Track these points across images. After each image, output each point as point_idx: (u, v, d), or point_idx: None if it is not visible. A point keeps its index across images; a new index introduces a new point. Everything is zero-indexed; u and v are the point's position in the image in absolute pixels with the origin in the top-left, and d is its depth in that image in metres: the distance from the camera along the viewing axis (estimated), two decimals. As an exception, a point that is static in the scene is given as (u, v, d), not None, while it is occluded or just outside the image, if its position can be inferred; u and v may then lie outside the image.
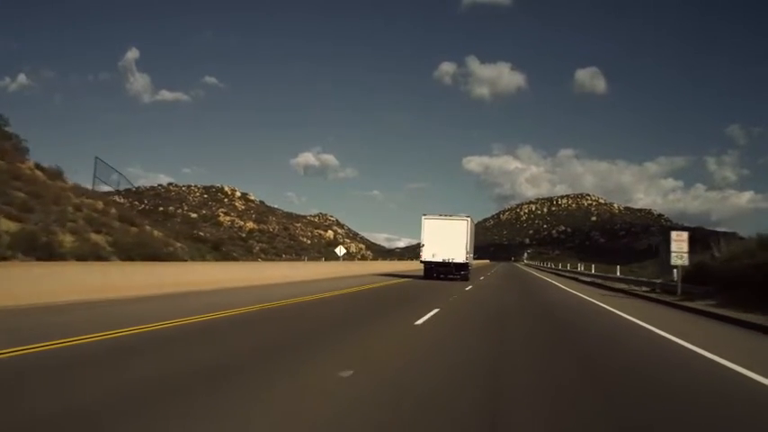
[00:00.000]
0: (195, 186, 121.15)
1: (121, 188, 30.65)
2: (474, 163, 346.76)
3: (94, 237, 18.26)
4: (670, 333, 9.20)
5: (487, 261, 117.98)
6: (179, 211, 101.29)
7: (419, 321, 9.54)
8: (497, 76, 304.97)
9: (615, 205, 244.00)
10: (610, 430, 3.90)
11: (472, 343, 7.77)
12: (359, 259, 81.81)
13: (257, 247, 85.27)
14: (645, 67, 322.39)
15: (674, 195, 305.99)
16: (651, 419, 4.16)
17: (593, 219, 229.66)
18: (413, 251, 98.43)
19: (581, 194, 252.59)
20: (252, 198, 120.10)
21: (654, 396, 4.93)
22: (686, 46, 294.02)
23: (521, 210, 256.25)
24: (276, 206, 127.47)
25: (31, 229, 15.78)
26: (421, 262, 26.69)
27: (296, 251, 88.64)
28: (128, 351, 6.12)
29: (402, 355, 6.55)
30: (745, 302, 12.48)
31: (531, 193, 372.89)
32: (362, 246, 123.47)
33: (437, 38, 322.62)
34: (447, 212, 27.23)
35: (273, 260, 64.61)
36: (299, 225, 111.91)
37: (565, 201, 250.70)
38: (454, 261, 25.77)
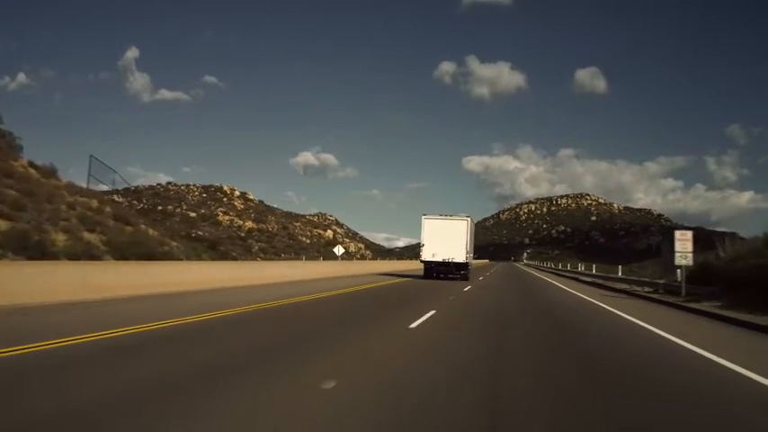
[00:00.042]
0: (194, 185, 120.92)
1: (118, 187, 30.36)
2: (474, 163, 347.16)
3: (88, 236, 17.98)
4: (693, 345, 7.87)
5: (487, 261, 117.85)
6: (178, 210, 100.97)
7: (413, 325, 9.22)
8: (497, 76, 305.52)
9: (615, 205, 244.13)
10: (610, 430, 3.86)
11: (471, 343, 7.68)
12: (358, 259, 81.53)
13: (256, 247, 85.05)
14: (645, 67, 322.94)
15: (674, 195, 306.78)
16: (651, 420, 4.12)
17: (593, 219, 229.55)
18: (412, 251, 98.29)
19: (581, 194, 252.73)
20: (251, 197, 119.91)
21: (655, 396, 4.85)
22: (686, 46, 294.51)
23: (520, 209, 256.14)
24: (275, 205, 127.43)
25: (23, 227, 15.49)
26: (421, 261, 26.73)
27: (295, 251, 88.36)
28: (123, 351, 6.05)
29: (399, 357, 6.45)
30: (753, 303, 12.17)
31: (530, 192, 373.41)
32: (362, 245, 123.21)
33: (437, 38, 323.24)
34: (447, 212, 27.40)
35: (272, 260, 64.37)
36: (298, 224, 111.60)
37: (564, 200, 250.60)
38: (454, 261, 25.81)
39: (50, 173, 21.68)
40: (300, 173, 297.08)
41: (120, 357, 5.71)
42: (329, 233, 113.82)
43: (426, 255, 25.96)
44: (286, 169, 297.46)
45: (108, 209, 22.31)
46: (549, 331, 9.48)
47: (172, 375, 4.95)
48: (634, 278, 25.62)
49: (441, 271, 26.03)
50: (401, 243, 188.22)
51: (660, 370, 6.21)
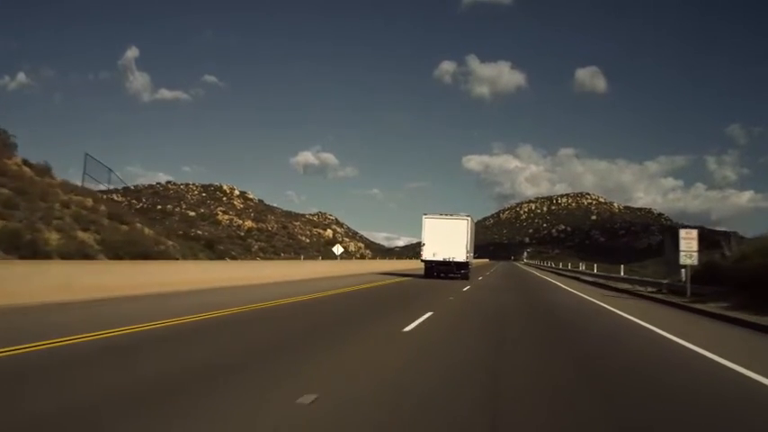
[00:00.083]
0: (193, 185, 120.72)
1: (116, 186, 30.06)
2: (474, 162, 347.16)
3: (81, 234, 17.71)
4: (714, 354, 6.91)
5: (487, 260, 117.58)
6: (177, 209, 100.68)
7: (413, 325, 8.98)
8: (497, 76, 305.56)
9: (615, 204, 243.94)
10: (610, 430, 3.83)
11: (470, 343, 7.62)
12: (357, 258, 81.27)
13: (255, 246, 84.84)
14: (645, 67, 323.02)
15: (674, 194, 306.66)
16: (651, 420, 4.08)
17: (593, 218, 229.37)
18: (412, 250, 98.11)
19: (581, 193, 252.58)
20: (250, 197, 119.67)
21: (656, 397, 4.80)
22: (686, 46, 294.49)
23: (520, 209, 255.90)
24: (275, 205, 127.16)
25: (14, 226, 15.20)
26: (422, 261, 26.79)
27: (294, 250, 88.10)
28: (120, 351, 6.02)
29: (398, 357, 6.40)
30: (762, 304, 11.85)
31: (530, 192, 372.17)
32: (362, 245, 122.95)
33: (437, 37, 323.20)
34: (447, 212, 27.50)
35: (271, 259, 64.14)
36: (297, 224, 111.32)
37: (565, 200, 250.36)
38: (455, 260, 25.84)
39: (44, 171, 21.43)
40: (300, 172, 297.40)
41: (118, 357, 5.68)
42: (329, 232, 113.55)
43: (427, 254, 26.02)
44: (286, 169, 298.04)
45: (103, 207, 22.03)
46: (549, 331, 9.41)
47: (168, 375, 4.92)
48: (637, 278, 25.28)
49: (441, 270, 26.11)
50: (401, 242, 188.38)
51: (660, 370, 6.14)
